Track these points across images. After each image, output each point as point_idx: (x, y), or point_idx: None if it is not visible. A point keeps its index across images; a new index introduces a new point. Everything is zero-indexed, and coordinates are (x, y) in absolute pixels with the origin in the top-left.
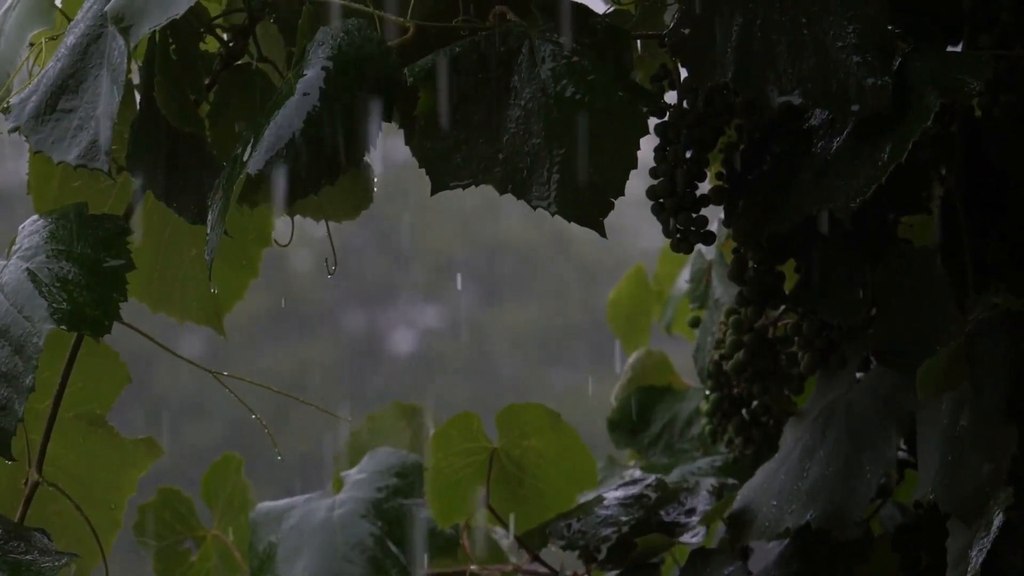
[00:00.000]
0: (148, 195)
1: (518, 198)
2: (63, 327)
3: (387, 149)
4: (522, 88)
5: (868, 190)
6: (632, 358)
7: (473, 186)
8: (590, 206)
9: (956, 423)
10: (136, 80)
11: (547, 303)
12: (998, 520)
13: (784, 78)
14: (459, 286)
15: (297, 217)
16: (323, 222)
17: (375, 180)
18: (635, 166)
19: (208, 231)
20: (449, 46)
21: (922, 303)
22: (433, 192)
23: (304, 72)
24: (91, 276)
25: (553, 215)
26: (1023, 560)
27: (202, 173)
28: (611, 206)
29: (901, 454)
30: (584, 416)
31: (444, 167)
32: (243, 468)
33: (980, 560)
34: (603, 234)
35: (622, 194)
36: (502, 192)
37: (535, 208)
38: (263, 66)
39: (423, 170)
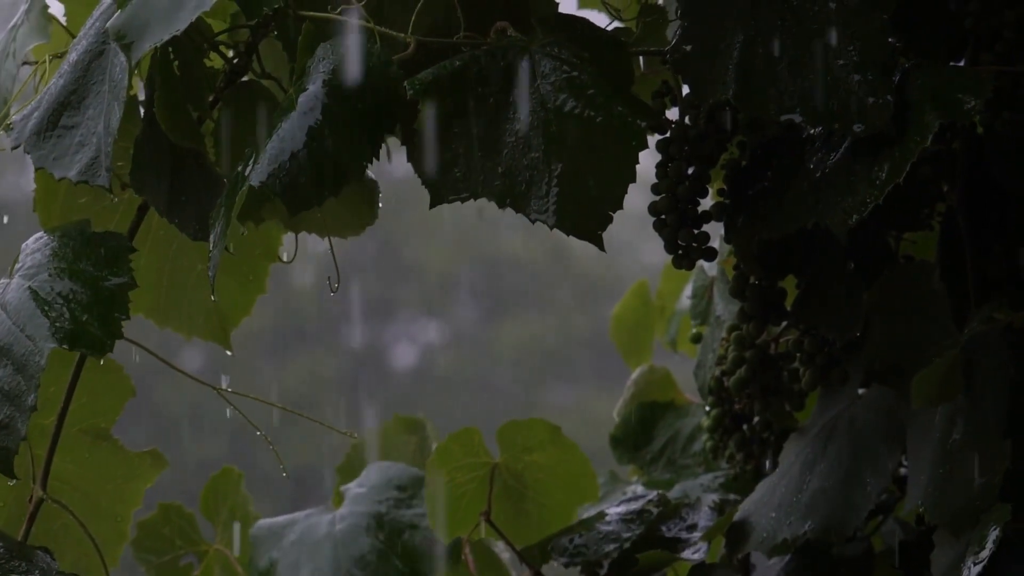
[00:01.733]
0: (154, 211)
1: (517, 212)
2: (64, 346)
3: (388, 165)
4: (521, 102)
5: (865, 209)
6: (635, 374)
7: (472, 200)
8: (589, 219)
9: (949, 436)
10: (142, 96)
11: (549, 318)
12: (994, 535)
13: (785, 96)
14: (460, 301)
15: (300, 232)
16: (326, 237)
17: (380, 196)
18: (634, 180)
19: (210, 247)
20: (449, 59)
21: (919, 318)
22: (432, 205)
23: (306, 87)
24: (93, 295)
25: (552, 228)
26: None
27: (204, 190)
28: (610, 219)
29: (903, 470)
30: (586, 431)
31: (443, 181)
32: (243, 481)
33: (976, 574)
34: (602, 248)
35: (620, 207)
36: (501, 206)
37: (534, 222)
38: (267, 82)
39: (423, 184)
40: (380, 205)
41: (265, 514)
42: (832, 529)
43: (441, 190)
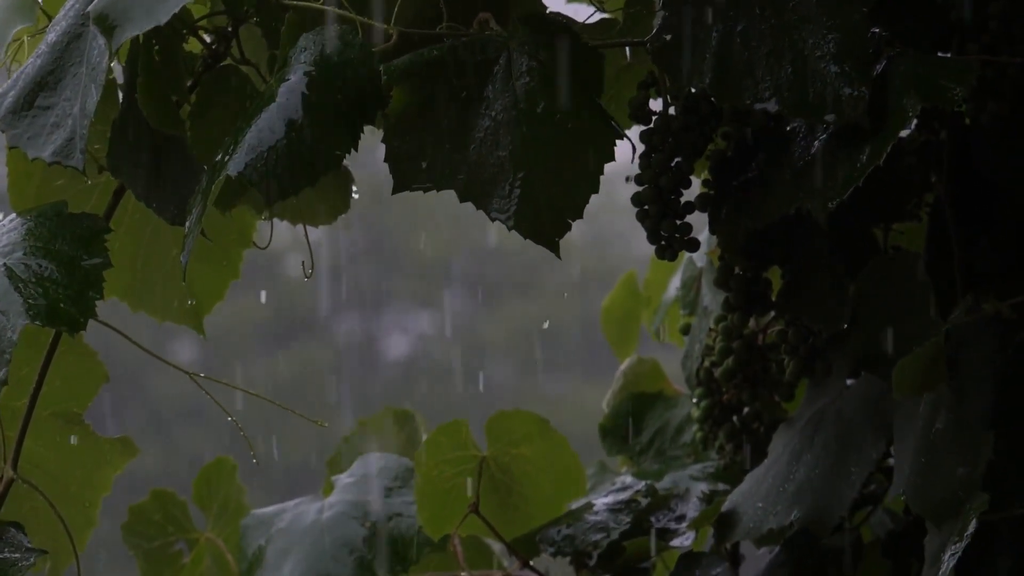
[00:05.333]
0: (130, 195)
1: (477, 208)
2: (38, 323)
3: (379, 155)
4: (495, 99)
5: (846, 191)
6: (624, 365)
7: (435, 191)
8: (548, 225)
9: (932, 426)
10: (120, 79)
11: (540, 309)
12: (972, 525)
13: (761, 85)
14: (452, 292)
15: (273, 219)
16: (309, 226)
17: (354, 185)
18: (596, 191)
19: (185, 233)
20: (427, 48)
21: (904, 308)
22: (394, 192)
23: (287, 77)
24: (68, 274)
25: (510, 230)
26: (1011, 563)
27: (182, 174)
28: (568, 227)
29: (892, 460)
30: (578, 422)
31: (409, 168)
32: (237, 472)
33: (952, 564)
34: (557, 254)
35: (580, 216)
36: (463, 200)
37: (493, 220)
38: (245, 69)
39: (388, 169)
40: (356, 196)
41: (260, 505)
42: (817, 518)
43: (405, 177)
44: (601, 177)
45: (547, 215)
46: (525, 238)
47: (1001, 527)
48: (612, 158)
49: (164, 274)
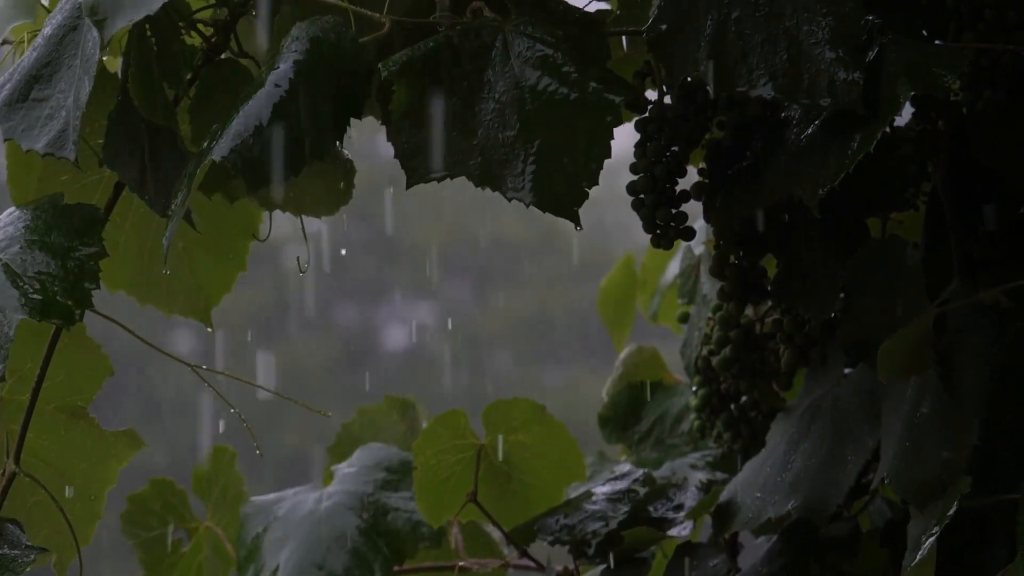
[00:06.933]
0: None
1: (493, 190)
2: (34, 317)
3: (378, 145)
4: (496, 81)
5: (837, 178)
6: (624, 353)
7: (449, 179)
8: (565, 196)
9: (917, 410)
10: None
11: (539, 298)
12: (954, 507)
13: (756, 72)
14: (451, 282)
15: (275, 211)
16: (320, 218)
17: (355, 175)
18: (609, 155)
19: (169, 216)
20: (423, 41)
21: (894, 294)
22: (408, 186)
23: (277, 65)
24: (63, 265)
25: (528, 206)
26: (1004, 551)
27: (175, 167)
28: (585, 195)
29: None
30: (578, 411)
31: (420, 161)
32: (236, 461)
33: (927, 547)
34: (578, 224)
35: (596, 183)
36: (478, 185)
37: (510, 200)
38: (244, 62)
39: (400, 164)
40: (355, 186)
41: (260, 494)
42: (814, 506)
43: (418, 170)
44: (612, 142)
45: (563, 187)
46: (544, 212)
47: (993, 515)
48: (620, 121)
49: (170, 267)
